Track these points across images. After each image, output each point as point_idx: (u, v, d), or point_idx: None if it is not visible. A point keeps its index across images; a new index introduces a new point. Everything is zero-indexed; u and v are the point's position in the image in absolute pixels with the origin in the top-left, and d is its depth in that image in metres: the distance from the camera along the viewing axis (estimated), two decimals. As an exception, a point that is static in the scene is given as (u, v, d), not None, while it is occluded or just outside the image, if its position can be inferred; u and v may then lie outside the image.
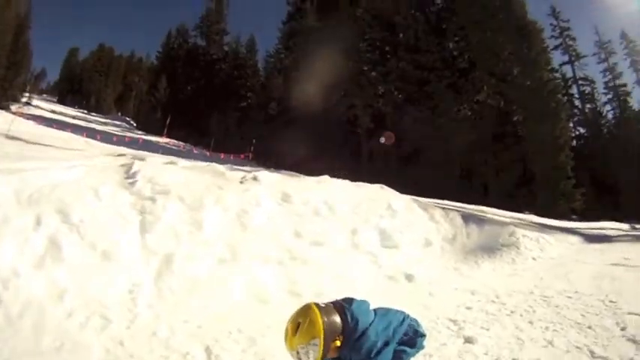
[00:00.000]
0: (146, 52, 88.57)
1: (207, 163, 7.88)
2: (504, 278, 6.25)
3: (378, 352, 1.71)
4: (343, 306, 1.77)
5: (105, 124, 24.80)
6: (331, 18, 28.38)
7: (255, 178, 6.40)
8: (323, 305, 1.74)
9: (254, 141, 27.51)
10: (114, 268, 3.77)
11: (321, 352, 1.66)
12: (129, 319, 3.35)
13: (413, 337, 1.90)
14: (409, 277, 5.52)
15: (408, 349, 1.85)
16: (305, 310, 1.71)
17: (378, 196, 7.78)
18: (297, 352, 1.65)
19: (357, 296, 1.85)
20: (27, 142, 12.44)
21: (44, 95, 65.77)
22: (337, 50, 26.37)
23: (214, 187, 5.61)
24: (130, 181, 5.05)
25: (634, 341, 3.51)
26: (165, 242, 4.32)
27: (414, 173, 22.29)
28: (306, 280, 4.65)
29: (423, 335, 1.95)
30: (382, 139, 21.00)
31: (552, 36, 31.60)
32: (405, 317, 1.91)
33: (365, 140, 27.86)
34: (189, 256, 4.28)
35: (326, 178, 8.23)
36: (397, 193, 8.54)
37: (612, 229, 14.65)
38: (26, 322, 3.09)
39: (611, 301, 4.69)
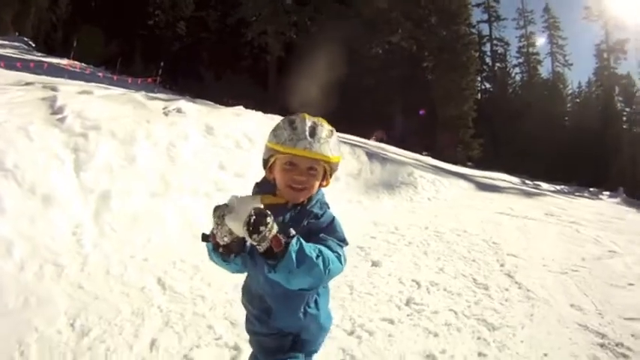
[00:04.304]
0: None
1: (124, 92, 7.57)
2: (403, 213, 7.14)
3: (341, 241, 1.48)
4: None
5: (2, 46, 21.01)
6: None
7: (179, 110, 6.34)
8: None
9: (162, 64, 25.86)
10: (55, 212, 3.68)
11: (336, 158, 1.44)
12: (80, 262, 3.33)
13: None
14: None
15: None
16: None
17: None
18: (320, 139, 1.39)
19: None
20: None
21: None
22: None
23: (143, 120, 5.56)
24: (59, 117, 4.85)
25: (509, 275, 4.41)
26: (101, 179, 4.33)
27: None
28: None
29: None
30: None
31: (477, -7, 32.69)
32: None
33: (273, 69, 26.97)
34: (124, 192, 4.34)
35: (241, 109, 8.42)
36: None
37: (503, 180, 16.77)
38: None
39: (494, 242, 5.69)
